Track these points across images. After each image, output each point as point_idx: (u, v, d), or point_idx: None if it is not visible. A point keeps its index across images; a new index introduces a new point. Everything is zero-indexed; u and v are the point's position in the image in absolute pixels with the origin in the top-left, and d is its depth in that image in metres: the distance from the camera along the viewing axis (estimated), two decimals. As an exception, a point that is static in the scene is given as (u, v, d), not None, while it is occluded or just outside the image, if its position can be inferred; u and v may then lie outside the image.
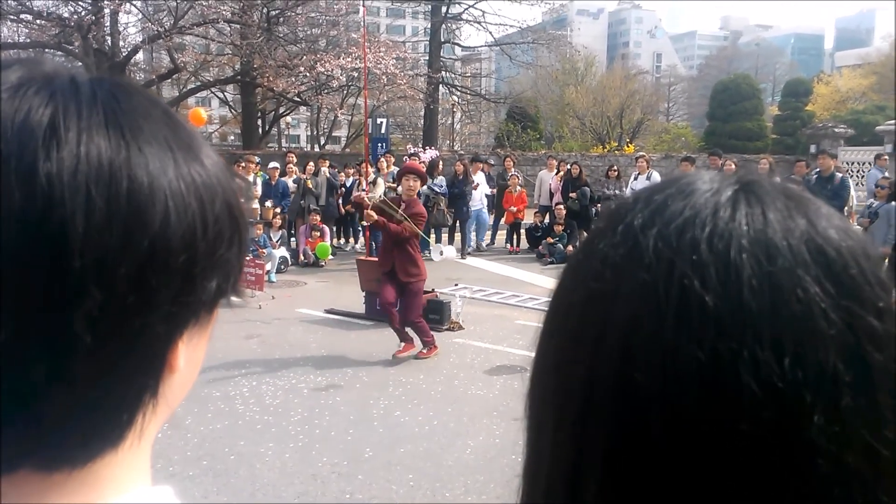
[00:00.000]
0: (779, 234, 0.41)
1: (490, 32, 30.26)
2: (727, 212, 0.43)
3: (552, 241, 12.78)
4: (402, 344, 6.78)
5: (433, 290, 8.52)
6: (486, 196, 14.10)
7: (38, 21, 18.76)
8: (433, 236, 13.22)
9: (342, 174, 13.90)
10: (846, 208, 10.10)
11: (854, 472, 0.39)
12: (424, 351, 6.84)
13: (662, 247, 0.42)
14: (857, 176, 20.37)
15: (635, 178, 12.67)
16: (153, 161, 0.43)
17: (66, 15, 18.59)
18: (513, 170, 14.99)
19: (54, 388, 0.41)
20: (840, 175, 10.34)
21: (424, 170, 13.06)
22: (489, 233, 14.71)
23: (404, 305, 6.73)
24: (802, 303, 0.39)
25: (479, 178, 13.89)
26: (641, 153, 16.59)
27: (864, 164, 21.23)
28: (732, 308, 0.40)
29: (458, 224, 13.35)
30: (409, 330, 6.79)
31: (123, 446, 0.46)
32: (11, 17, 18.51)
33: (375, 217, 6.51)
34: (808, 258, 0.41)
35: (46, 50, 19.56)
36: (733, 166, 12.71)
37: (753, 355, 0.39)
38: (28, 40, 19.36)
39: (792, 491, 0.39)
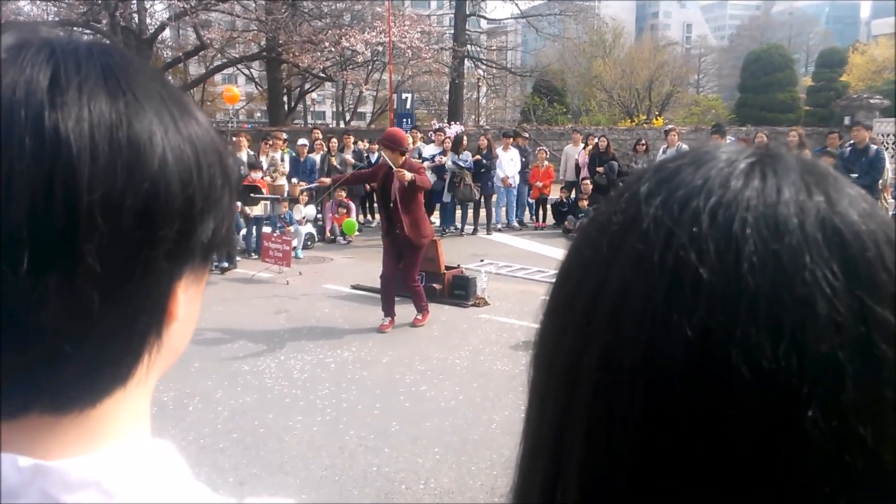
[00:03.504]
0: (791, 211, 0.38)
1: (516, 4, 29.91)
2: (738, 183, 0.40)
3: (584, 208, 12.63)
4: (388, 319, 6.91)
5: (458, 265, 8.53)
6: (519, 174, 13.78)
7: (65, 0, 18.91)
8: (459, 211, 13.23)
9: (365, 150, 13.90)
10: (881, 181, 9.87)
11: (850, 473, 0.36)
12: (420, 318, 7.02)
13: (663, 215, 0.40)
14: (893, 148, 19.88)
15: (664, 152, 12.50)
16: (149, 110, 0.47)
17: (93, -7, 18.69)
18: (526, 146, 14.80)
19: (70, 321, 0.43)
20: (875, 147, 10.08)
21: (451, 142, 13.15)
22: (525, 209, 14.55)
23: (405, 265, 6.83)
24: (808, 285, 0.36)
25: (510, 153, 13.68)
26: (671, 126, 16.32)
27: (900, 135, 20.70)
28: (728, 284, 0.37)
29: (483, 200, 13.29)
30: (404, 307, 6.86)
31: (130, 385, 0.49)
32: (40, -5, 18.68)
33: (408, 175, 6.46)
34: (820, 239, 0.38)
35: (75, 28, 19.75)
36: (765, 138, 12.48)
37: (746, 336, 0.36)
38: (57, 18, 19.54)
39: (779, 485, 0.37)
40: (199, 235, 0.49)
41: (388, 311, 6.92)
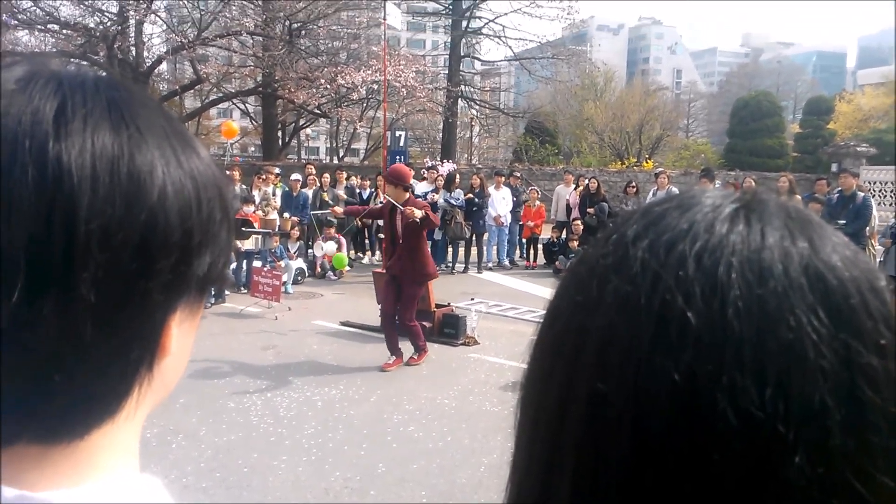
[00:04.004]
0: (775, 256, 0.39)
1: (510, 47, 30.39)
2: (723, 228, 0.40)
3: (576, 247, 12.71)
4: (393, 358, 6.82)
5: (449, 304, 8.50)
6: (511, 213, 13.74)
7: (64, 31, 19.09)
8: (451, 249, 13.23)
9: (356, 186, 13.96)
10: (868, 228, 9.97)
11: None
12: (415, 357, 6.94)
13: (649, 259, 0.40)
14: (880, 195, 20.15)
15: (654, 194, 12.60)
16: (151, 144, 0.47)
17: (91, 25, 18.89)
18: (518, 185, 14.88)
19: (63, 349, 0.43)
20: (862, 194, 10.20)
21: (443, 180, 13.22)
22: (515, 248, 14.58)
23: (401, 306, 6.75)
24: (793, 331, 0.37)
25: (503, 192, 13.70)
26: (661, 169, 16.49)
27: (886, 183, 21.02)
28: (714, 329, 0.37)
29: (474, 238, 13.30)
30: (401, 344, 6.84)
31: (119, 418, 0.49)
32: (39, 26, 18.83)
33: (419, 213, 6.39)
34: (804, 284, 0.38)
35: (72, 60, 19.89)
36: (753, 183, 12.61)
37: (732, 381, 0.36)
38: (55, 50, 19.68)
39: None
40: (196, 269, 0.49)
41: (393, 349, 6.82)
